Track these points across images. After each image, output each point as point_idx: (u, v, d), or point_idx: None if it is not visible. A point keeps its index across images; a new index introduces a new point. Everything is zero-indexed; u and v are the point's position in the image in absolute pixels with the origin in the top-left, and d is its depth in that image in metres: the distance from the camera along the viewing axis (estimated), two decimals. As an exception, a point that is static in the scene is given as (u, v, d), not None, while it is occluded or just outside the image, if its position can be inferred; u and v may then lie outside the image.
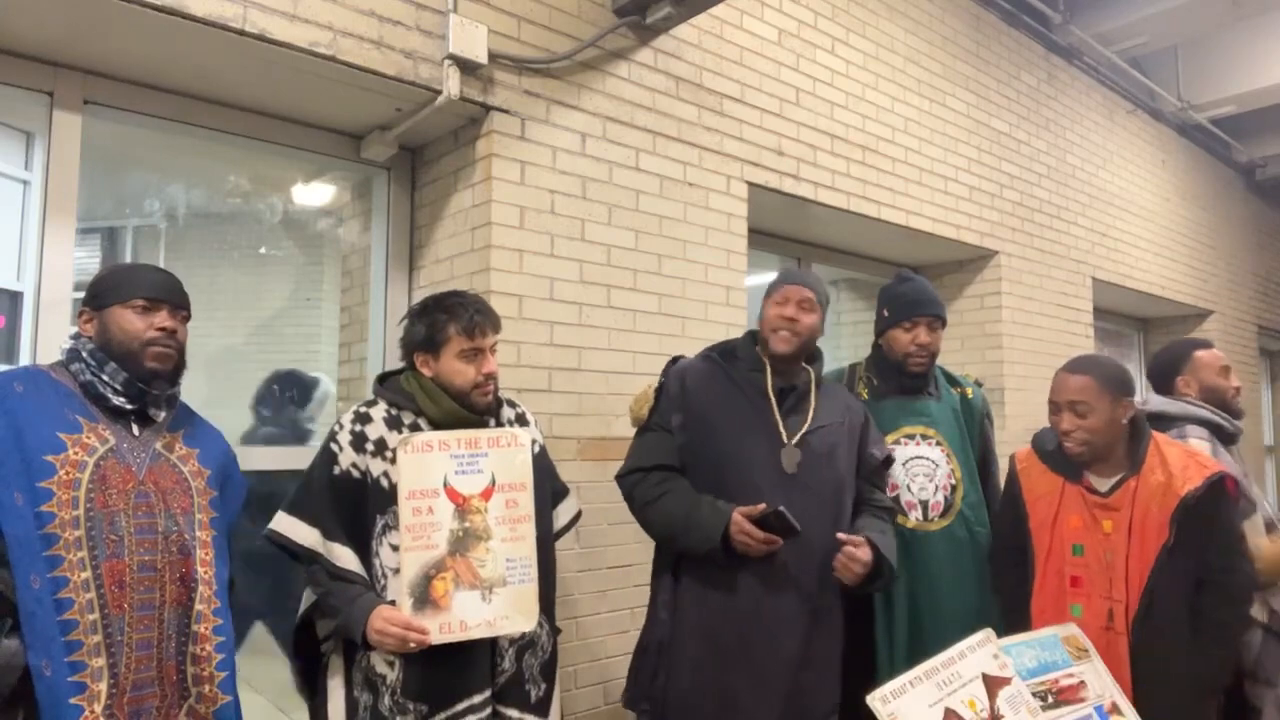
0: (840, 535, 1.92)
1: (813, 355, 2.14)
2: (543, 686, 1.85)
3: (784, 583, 1.93)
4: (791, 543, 1.88)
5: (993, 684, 1.66)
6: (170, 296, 1.64)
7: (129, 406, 1.58)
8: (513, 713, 1.79)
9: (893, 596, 2.23)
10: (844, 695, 1.99)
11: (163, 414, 1.65)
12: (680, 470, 2.01)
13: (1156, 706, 1.86)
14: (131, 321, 1.59)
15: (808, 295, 2.05)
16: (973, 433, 2.41)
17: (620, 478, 2.08)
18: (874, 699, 1.57)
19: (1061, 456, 2.08)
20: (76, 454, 1.49)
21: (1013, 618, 2.10)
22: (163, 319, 1.61)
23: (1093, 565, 1.99)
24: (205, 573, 1.60)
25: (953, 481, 2.31)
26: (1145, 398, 3.25)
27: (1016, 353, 4.31)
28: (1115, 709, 1.78)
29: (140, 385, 1.59)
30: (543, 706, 1.84)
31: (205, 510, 1.64)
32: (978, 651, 1.69)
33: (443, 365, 1.82)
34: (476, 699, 1.73)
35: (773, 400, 2.03)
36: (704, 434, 2.02)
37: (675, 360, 2.16)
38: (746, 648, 1.91)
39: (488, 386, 1.83)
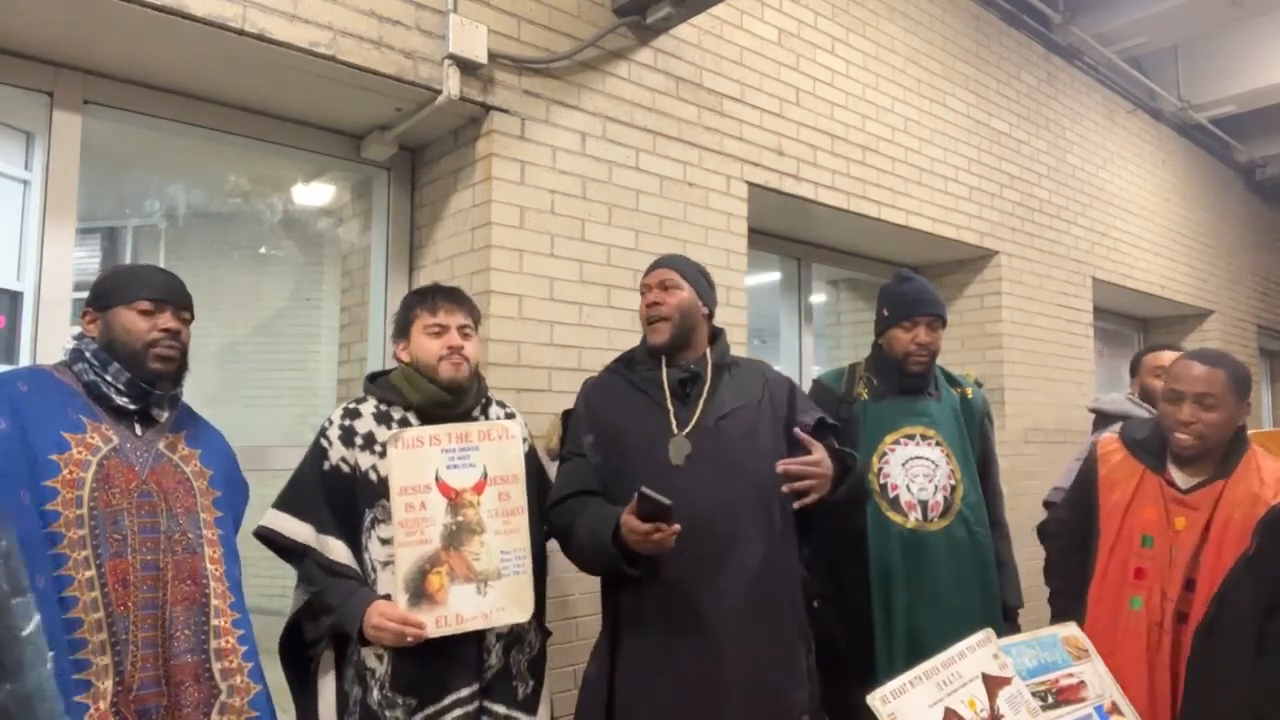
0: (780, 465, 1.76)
1: (714, 335, 2.03)
2: (530, 684, 1.85)
3: (713, 593, 1.79)
4: (711, 545, 1.78)
5: (993, 684, 1.66)
6: (174, 298, 1.65)
7: (132, 407, 1.59)
8: (499, 708, 1.79)
9: (892, 596, 2.24)
10: (843, 695, 1.98)
11: (165, 414, 1.65)
12: (600, 492, 1.87)
13: (1194, 713, 1.81)
14: (135, 323, 1.59)
15: (667, 275, 1.96)
16: (973, 433, 2.41)
17: (545, 516, 1.93)
18: (874, 699, 1.56)
19: (1149, 446, 2.03)
20: (80, 453, 1.49)
21: (1065, 605, 2.06)
22: (166, 320, 1.62)
23: (1160, 559, 1.93)
24: (215, 569, 1.61)
25: (952, 482, 2.31)
26: (1096, 397, 3.32)
27: (1016, 353, 4.31)
28: (1115, 709, 1.78)
29: (143, 386, 1.59)
30: (529, 704, 1.84)
31: (210, 510, 1.64)
32: (978, 651, 1.69)
33: (414, 346, 1.85)
34: (464, 692, 1.74)
35: (668, 394, 1.91)
36: (614, 447, 1.91)
37: (586, 381, 2.08)
38: (692, 675, 1.77)
39: (455, 359, 1.81)
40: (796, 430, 1.84)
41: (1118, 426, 2.31)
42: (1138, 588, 1.95)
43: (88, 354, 1.58)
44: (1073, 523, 2.18)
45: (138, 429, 1.60)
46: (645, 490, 1.62)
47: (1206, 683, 1.83)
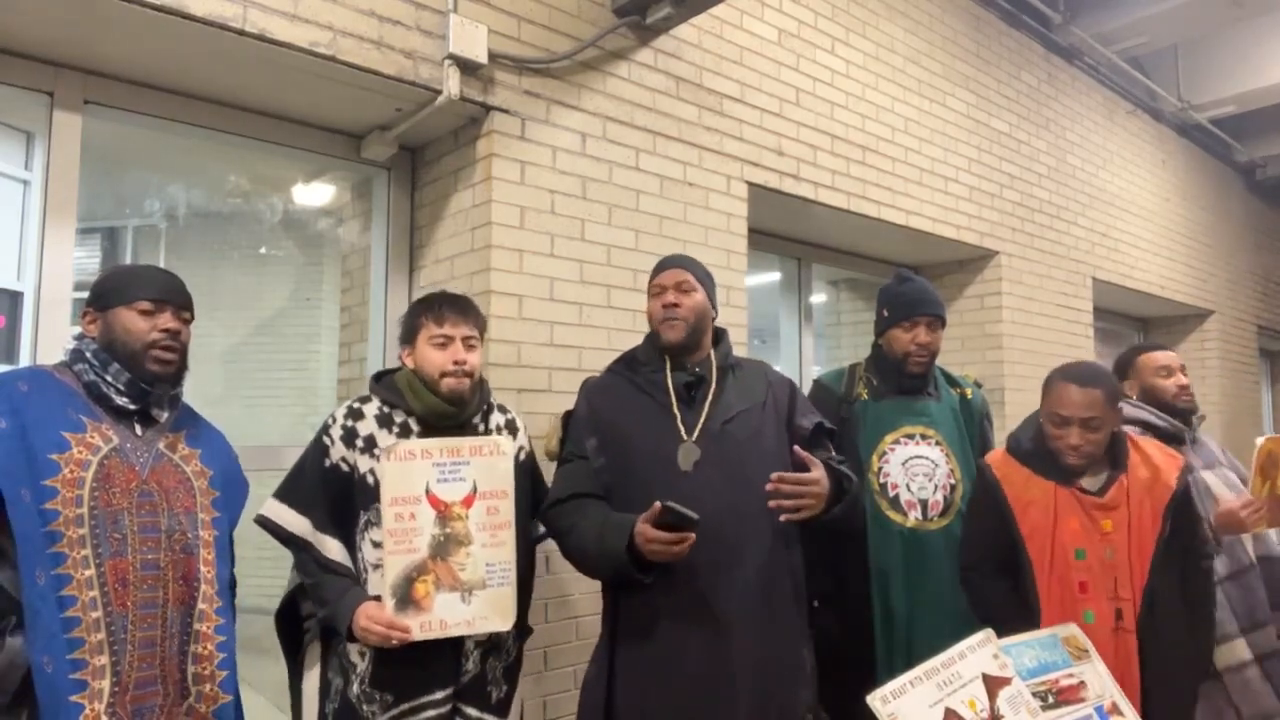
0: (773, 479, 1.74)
1: (717, 337, 2.03)
2: (504, 688, 1.90)
3: (720, 596, 1.79)
4: (719, 550, 1.77)
5: (993, 684, 1.66)
6: (174, 298, 1.65)
7: (132, 407, 1.59)
8: (472, 711, 1.83)
9: (892, 596, 2.24)
10: (844, 695, 1.98)
11: (165, 414, 1.65)
12: (601, 496, 1.88)
13: (1163, 697, 1.90)
14: (135, 323, 1.59)
15: (683, 276, 1.95)
16: (972, 433, 2.41)
17: (542, 516, 1.95)
18: (874, 699, 1.56)
19: (1047, 460, 2.06)
20: (80, 453, 1.49)
21: (1006, 630, 2.05)
22: (166, 321, 1.62)
23: (1095, 568, 1.98)
24: (208, 572, 1.61)
25: (952, 481, 2.32)
26: None
27: (1016, 353, 4.31)
28: (1115, 709, 1.78)
29: (143, 386, 1.59)
30: (502, 707, 1.89)
31: (208, 510, 1.65)
32: (978, 651, 1.69)
33: (418, 355, 1.87)
34: (438, 694, 1.78)
35: (673, 397, 1.91)
36: (619, 449, 1.90)
37: (587, 381, 2.08)
38: (697, 677, 1.78)
39: (456, 376, 1.83)
40: (796, 449, 1.84)
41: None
42: (1085, 601, 1.98)
43: (88, 354, 1.58)
44: (987, 550, 2.13)
45: (138, 429, 1.60)
46: (670, 504, 1.64)
47: (1160, 666, 1.92)
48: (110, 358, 1.58)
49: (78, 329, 1.66)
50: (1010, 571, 2.08)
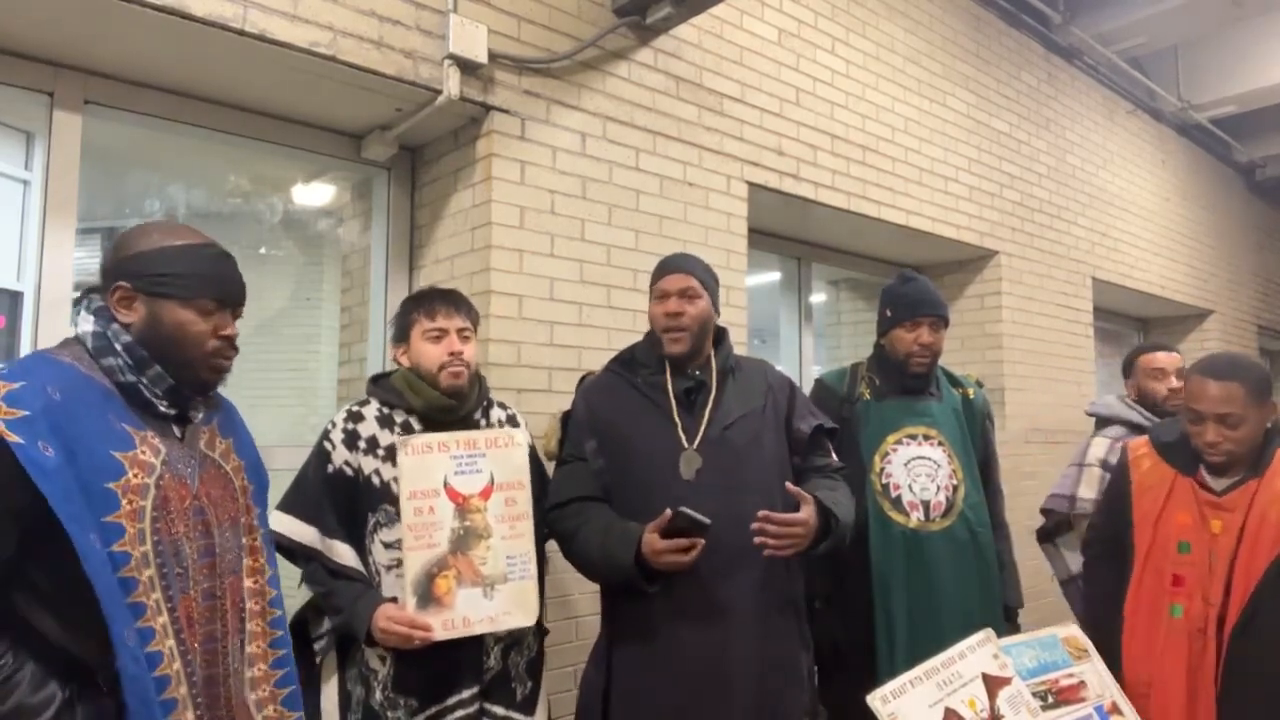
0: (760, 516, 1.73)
1: (719, 337, 2.00)
2: (529, 685, 1.88)
3: (720, 601, 1.79)
4: (718, 557, 1.76)
5: (993, 684, 1.66)
6: (238, 296, 1.42)
7: (171, 412, 1.38)
8: (499, 709, 1.81)
9: (893, 596, 2.23)
10: (844, 695, 1.98)
11: (200, 414, 1.45)
12: (602, 498, 1.87)
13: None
14: (195, 325, 1.34)
15: (688, 283, 1.91)
16: (974, 433, 2.41)
17: (544, 518, 1.93)
18: (874, 699, 1.56)
19: (1180, 449, 1.97)
20: (136, 476, 1.26)
21: (1098, 612, 2.01)
22: (227, 326, 1.39)
23: (1199, 565, 1.87)
24: (253, 585, 1.44)
25: (954, 482, 2.31)
26: (1092, 400, 3.36)
27: (1016, 353, 4.31)
28: (1115, 709, 1.78)
29: (184, 393, 1.38)
30: (529, 705, 1.87)
31: (249, 511, 1.48)
32: (978, 651, 1.69)
33: (413, 351, 1.87)
34: (465, 694, 1.76)
35: (673, 404, 1.89)
36: (618, 452, 1.89)
37: (584, 378, 2.06)
38: (695, 679, 1.78)
39: (455, 367, 1.83)
40: (789, 485, 1.82)
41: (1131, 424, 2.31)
42: (1177, 595, 1.89)
43: (118, 346, 1.31)
44: (1105, 531, 2.13)
45: (175, 429, 1.39)
46: (684, 510, 1.65)
47: (1243, 684, 1.80)
48: (149, 357, 1.32)
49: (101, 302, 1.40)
50: (1121, 556, 2.02)
